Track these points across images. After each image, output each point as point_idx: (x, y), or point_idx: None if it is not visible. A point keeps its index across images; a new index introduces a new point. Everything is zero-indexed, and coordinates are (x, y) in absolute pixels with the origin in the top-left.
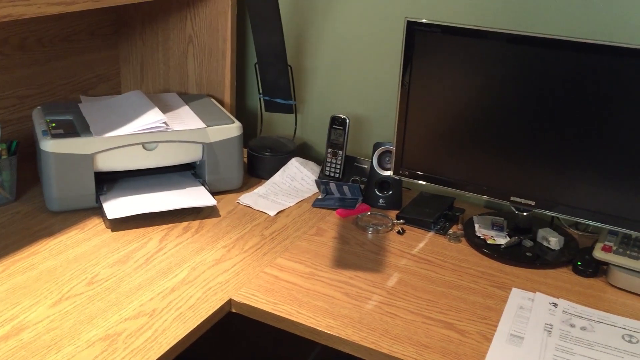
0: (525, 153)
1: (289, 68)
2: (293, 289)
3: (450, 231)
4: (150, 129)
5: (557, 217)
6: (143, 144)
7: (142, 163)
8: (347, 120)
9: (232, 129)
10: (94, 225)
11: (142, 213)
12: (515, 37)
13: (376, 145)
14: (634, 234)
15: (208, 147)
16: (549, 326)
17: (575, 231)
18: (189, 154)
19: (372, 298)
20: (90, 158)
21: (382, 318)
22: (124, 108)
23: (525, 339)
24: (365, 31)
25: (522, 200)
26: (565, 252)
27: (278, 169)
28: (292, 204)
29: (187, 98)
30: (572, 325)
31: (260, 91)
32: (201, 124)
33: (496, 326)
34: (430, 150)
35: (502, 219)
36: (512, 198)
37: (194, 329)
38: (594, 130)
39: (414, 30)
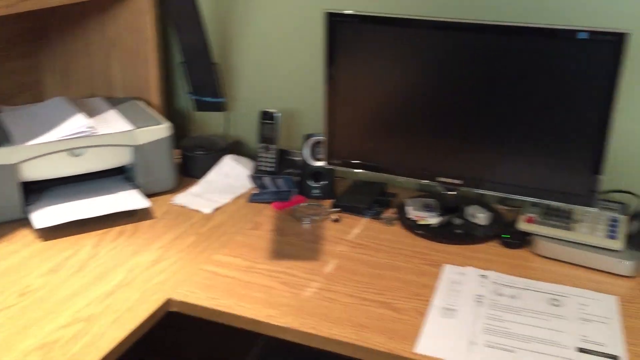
0: (450, 135)
1: (216, 65)
2: (232, 283)
3: (384, 215)
4: (75, 135)
5: (484, 194)
6: (69, 150)
7: (70, 170)
8: (277, 115)
9: (161, 130)
10: (23, 236)
11: (72, 220)
12: (433, 23)
13: (307, 137)
14: (554, 204)
15: (138, 150)
16: (480, 297)
17: (502, 206)
18: (118, 158)
19: (310, 285)
20: (13, 168)
21: (320, 303)
22: (47, 115)
23: (458, 310)
24: (289, 24)
25: (449, 180)
26: (493, 226)
27: (212, 168)
28: (227, 201)
29: (114, 102)
30: (501, 295)
31: (189, 90)
32: (128, 127)
33: (430, 301)
34: (360, 138)
35: (433, 199)
36: (439, 179)
37: (133, 330)
38: (513, 109)
39: (334, 21)
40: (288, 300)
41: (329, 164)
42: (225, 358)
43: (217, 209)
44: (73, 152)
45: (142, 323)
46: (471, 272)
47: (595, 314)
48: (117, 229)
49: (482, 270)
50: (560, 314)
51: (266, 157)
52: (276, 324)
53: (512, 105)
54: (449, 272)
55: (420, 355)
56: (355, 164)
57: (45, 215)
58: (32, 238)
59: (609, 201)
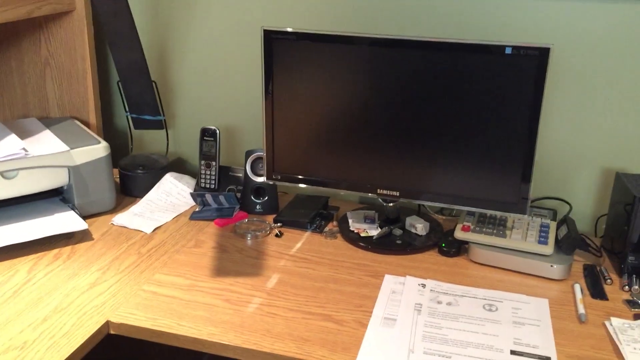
0: (386, 148)
1: (154, 83)
2: (173, 302)
3: (326, 229)
4: (7, 157)
5: (423, 205)
6: (1, 174)
7: (3, 193)
8: (217, 131)
9: (98, 150)
10: None
11: (5, 245)
12: (368, 40)
13: (248, 153)
14: (488, 212)
15: (74, 170)
16: (419, 305)
17: (440, 216)
18: (54, 179)
19: (252, 301)
20: None
21: (263, 319)
22: None
23: (398, 320)
24: (228, 41)
25: (387, 192)
26: (432, 236)
27: (152, 186)
28: (168, 220)
29: (49, 122)
30: (439, 302)
31: (127, 109)
32: (64, 147)
33: (371, 312)
34: (300, 153)
35: (374, 212)
36: (378, 191)
37: (69, 356)
38: (445, 122)
39: (271, 38)
40: (230, 317)
41: (270, 179)
42: None
43: (157, 228)
44: (5, 174)
45: (78, 348)
46: (410, 281)
47: (528, 317)
48: (53, 252)
49: (421, 279)
50: (495, 319)
51: (208, 174)
52: (218, 341)
53: (444, 118)
54: (389, 282)
55: None
56: (296, 179)
57: None
58: None
59: (541, 208)
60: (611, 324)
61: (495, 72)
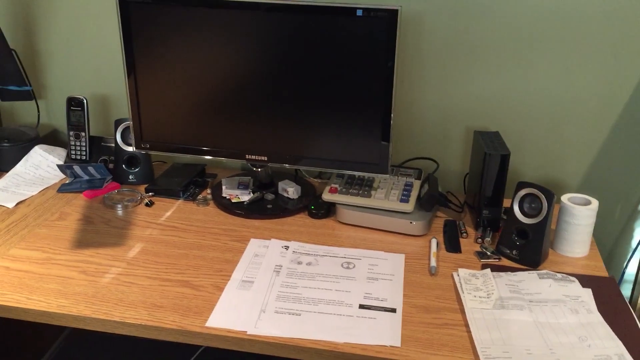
0: (252, 114)
1: (14, 52)
2: (25, 277)
3: (200, 196)
4: None
5: (300, 169)
6: None
7: None
8: (85, 100)
9: None
10: None
11: None
12: (224, 3)
13: (117, 122)
14: (356, 174)
15: None
16: (279, 267)
17: (317, 180)
18: None
19: (110, 271)
20: None
21: (118, 288)
22: None
23: (255, 282)
24: (95, 7)
25: (256, 157)
26: (303, 199)
27: (20, 160)
28: (34, 193)
29: None
30: (300, 263)
31: None
32: None
33: (231, 276)
34: (168, 121)
35: (249, 178)
36: (247, 156)
37: None
38: (305, 85)
39: (126, 3)
40: (84, 288)
41: (139, 148)
42: (31, 351)
43: (21, 202)
44: None
45: None
46: (275, 244)
47: (382, 273)
48: None
49: (286, 242)
50: (351, 276)
51: (78, 145)
52: (67, 313)
53: (304, 82)
54: (254, 246)
55: (211, 328)
56: (165, 147)
57: None
58: None
59: (410, 168)
60: (458, 275)
61: (349, 34)
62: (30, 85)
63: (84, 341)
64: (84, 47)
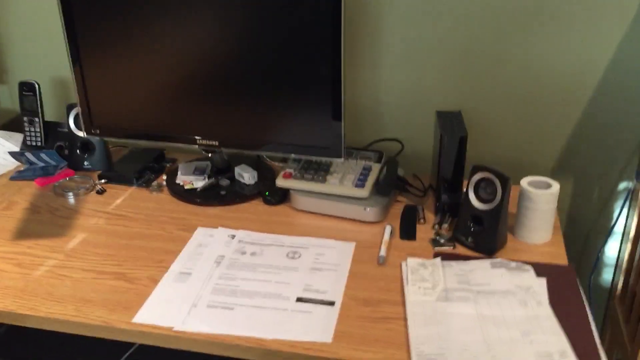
0: (201, 97)
1: None
2: None
3: (154, 183)
4: None
5: (261, 154)
6: None
7: None
8: (36, 85)
9: None
10: None
11: None
12: None
13: (69, 107)
14: (312, 158)
15: None
16: (221, 257)
17: (279, 164)
18: None
19: (45, 264)
20: None
21: (49, 282)
22: None
23: (193, 274)
24: None
25: (207, 142)
26: (260, 185)
27: None
28: None
29: None
30: (244, 253)
31: None
32: None
33: (169, 268)
34: (117, 105)
35: (207, 163)
36: (198, 141)
37: None
38: (254, 68)
39: None
40: (15, 282)
41: (89, 133)
42: None
43: None
44: None
45: None
46: (221, 233)
47: (327, 263)
48: None
49: (233, 230)
50: (295, 266)
51: (32, 131)
52: None
53: (253, 64)
54: (199, 235)
55: (136, 324)
56: (115, 133)
57: None
58: None
59: (372, 151)
60: (406, 265)
61: (295, 11)
62: None
63: (24, 335)
64: (44, 31)
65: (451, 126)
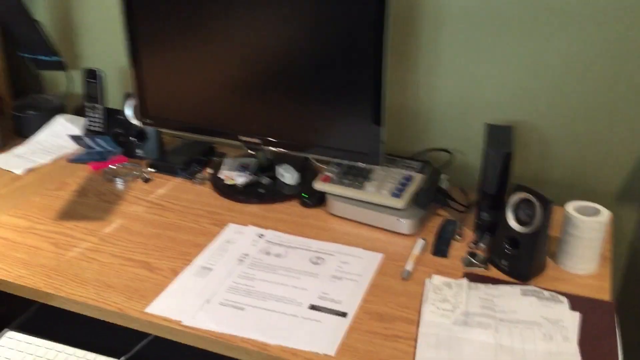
0: (248, 95)
1: (37, 23)
2: (1, 244)
3: (199, 175)
4: None
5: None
6: None
7: None
8: (99, 73)
9: None
10: None
11: None
12: None
13: (126, 96)
14: (353, 164)
15: None
16: (245, 256)
17: (323, 166)
18: None
19: (79, 245)
20: None
21: (79, 264)
22: None
23: (214, 270)
24: None
25: (249, 139)
26: (301, 186)
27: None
28: (46, 161)
29: None
30: (268, 253)
31: (18, 49)
32: None
33: (192, 261)
34: (168, 97)
35: (253, 159)
36: (240, 138)
37: None
38: (297, 68)
39: None
40: (48, 261)
41: (143, 122)
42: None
43: (30, 170)
44: None
45: None
46: (250, 231)
47: (350, 272)
48: None
49: (262, 230)
50: (316, 272)
51: (93, 117)
52: (22, 284)
53: (300, 64)
54: (229, 231)
55: (148, 314)
56: (166, 124)
57: None
58: None
59: (416, 160)
60: (430, 282)
61: (342, 13)
62: (60, 56)
63: (55, 314)
64: (114, 20)
65: (498, 141)
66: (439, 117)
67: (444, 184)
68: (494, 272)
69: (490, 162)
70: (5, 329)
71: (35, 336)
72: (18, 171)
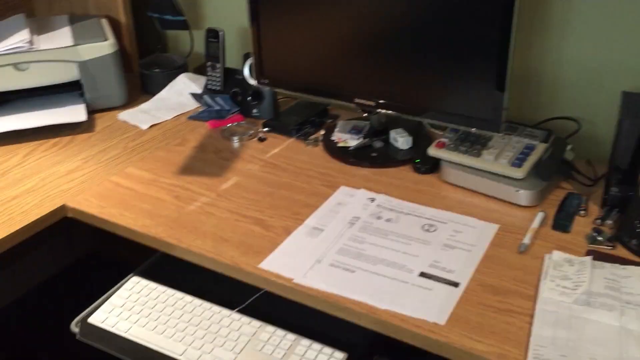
0: (366, 57)
1: None
2: (128, 194)
3: (312, 137)
4: (12, 49)
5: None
6: (13, 65)
7: (17, 83)
8: (220, 32)
9: (104, 47)
10: None
11: (13, 130)
12: None
13: (245, 56)
14: (472, 130)
15: (82, 66)
16: (356, 219)
17: (438, 132)
18: (64, 73)
19: (198, 200)
20: None
21: (198, 217)
22: (1, 32)
23: (325, 231)
24: None
25: (364, 102)
26: (413, 151)
27: (167, 85)
28: (168, 118)
29: (76, 20)
30: (379, 218)
31: (149, 9)
32: (69, 42)
33: (304, 221)
34: (286, 57)
35: (365, 123)
36: (355, 100)
37: (17, 231)
38: (416, 29)
39: None
40: (170, 212)
41: (259, 82)
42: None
43: (154, 125)
44: (18, 66)
45: (28, 224)
46: (362, 194)
47: (463, 242)
48: (53, 140)
49: (374, 194)
50: (427, 240)
51: (213, 76)
52: (147, 233)
53: (420, 26)
54: (340, 194)
55: (261, 270)
56: (282, 84)
57: None
58: None
59: (539, 129)
60: (550, 257)
61: None
62: (184, 16)
63: (174, 263)
64: None
65: (636, 110)
66: (567, 84)
67: (569, 155)
68: (621, 252)
69: (624, 134)
70: (131, 274)
71: (156, 282)
72: (144, 126)
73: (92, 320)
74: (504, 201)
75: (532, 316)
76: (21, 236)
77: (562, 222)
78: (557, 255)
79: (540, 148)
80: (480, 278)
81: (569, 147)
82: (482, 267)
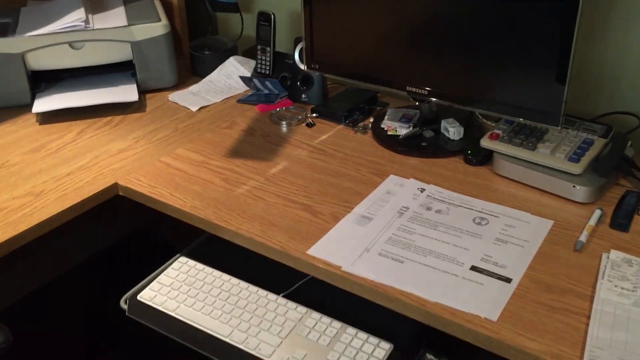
0: (419, 45)
1: None
2: (177, 175)
3: (361, 124)
4: (69, 28)
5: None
6: (69, 43)
7: (73, 62)
8: (272, 16)
9: (157, 28)
10: (26, 119)
11: (69, 108)
12: None
13: (297, 40)
14: (528, 122)
15: (135, 46)
16: (405, 208)
17: (490, 123)
18: (118, 53)
19: (247, 183)
20: (19, 57)
21: (246, 201)
22: (56, 10)
23: (374, 219)
24: None
25: (416, 90)
26: (464, 142)
27: (217, 68)
28: (218, 100)
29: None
30: (429, 209)
31: None
32: (124, 23)
33: (353, 209)
34: (337, 42)
35: (416, 112)
36: (407, 88)
37: (70, 207)
38: (476, 18)
39: None
40: (219, 195)
41: (309, 67)
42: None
43: (204, 107)
44: (73, 45)
45: (82, 201)
46: (411, 184)
47: (516, 237)
48: (106, 119)
49: (424, 184)
50: (479, 233)
51: (263, 60)
52: (196, 214)
53: (475, 13)
54: (389, 183)
55: (309, 256)
56: (333, 69)
57: (45, 102)
58: (32, 121)
59: (598, 123)
60: (608, 257)
61: None
62: None
63: (221, 245)
64: None
65: None
66: (629, 77)
67: (630, 151)
68: None
69: None
70: (178, 254)
71: (203, 263)
72: (194, 108)
73: (141, 297)
74: (559, 197)
75: (588, 317)
76: (75, 212)
77: (620, 220)
78: (615, 254)
79: (599, 143)
80: (533, 275)
81: (629, 143)
82: (536, 264)
